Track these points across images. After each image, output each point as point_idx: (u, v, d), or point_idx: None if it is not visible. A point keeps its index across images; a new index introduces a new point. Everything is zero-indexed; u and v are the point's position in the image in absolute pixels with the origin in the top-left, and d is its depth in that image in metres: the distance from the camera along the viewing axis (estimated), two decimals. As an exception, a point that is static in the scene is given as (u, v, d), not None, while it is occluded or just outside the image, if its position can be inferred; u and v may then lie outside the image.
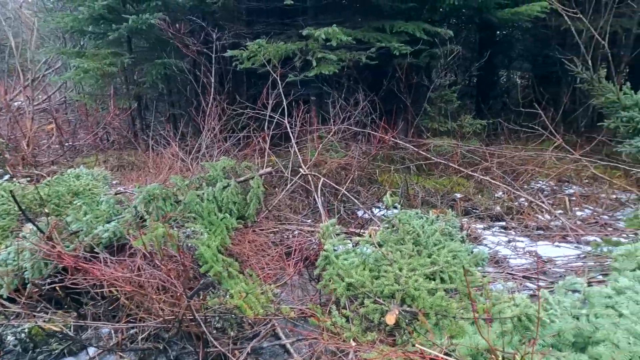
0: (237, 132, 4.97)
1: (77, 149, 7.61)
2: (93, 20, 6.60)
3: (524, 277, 3.31)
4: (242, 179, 3.75)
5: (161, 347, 2.14)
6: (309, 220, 4.17)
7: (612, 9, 6.14)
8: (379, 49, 5.08)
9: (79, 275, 2.27)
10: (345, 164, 4.37)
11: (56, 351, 2.30)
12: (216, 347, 2.03)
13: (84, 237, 2.83)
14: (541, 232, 4.27)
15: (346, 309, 2.30)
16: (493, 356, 1.98)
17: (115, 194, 3.75)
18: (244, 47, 5.25)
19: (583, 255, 3.67)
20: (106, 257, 2.55)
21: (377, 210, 4.88)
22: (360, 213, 4.56)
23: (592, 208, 4.98)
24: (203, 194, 3.36)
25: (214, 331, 2.17)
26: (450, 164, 4.76)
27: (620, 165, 5.48)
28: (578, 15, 5.67)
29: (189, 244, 2.54)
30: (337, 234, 3.10)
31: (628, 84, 6.11)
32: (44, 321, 2.28)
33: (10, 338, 2.31)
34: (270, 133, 4.45)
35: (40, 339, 2.31)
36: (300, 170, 3.96)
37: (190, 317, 1.95)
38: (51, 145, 7.36)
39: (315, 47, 4.97)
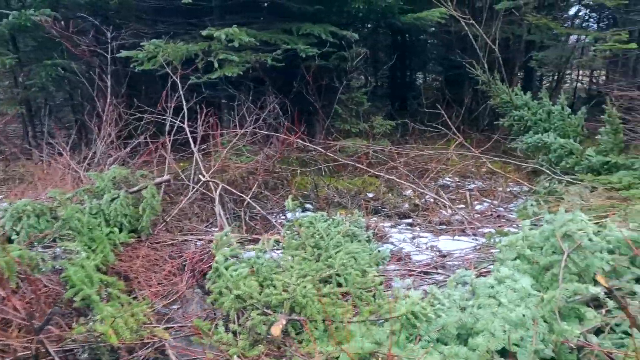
0: (136, 138, 4.63)
1: (-46, 162, 6.68)
2: (-34, 15, 5.83)
3: (424, 272, 3.41)
4: (134, 189, 3.48)
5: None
6: (216, 229, 3.99)
7: (501, 18, 6.64)
8: (286, 50, 5.04)
9: None
10: (252, 168, 4.25)
11: None
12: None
13: None
14: (443, 227, 4.46)
15: (235, 323, 2.18)
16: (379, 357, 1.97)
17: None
18: (141, 47, 4.93)
19: (478, 247, 3.88)
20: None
21: (290, 214, 4.82)
22: (273, 218, 4.46)
23: (489, 201, 5.33)
24: (85, 207, 3.04)
25: (84, 362, 1.94)
26: (358, 165, 4.83)
27: (510, 161, 5.92)
28: (471, 22, 6.06)
29: (56, 266, 2.26)
30: (238, 242, 2.96)
31: (519, 85, 6.67)
32: None
33: None
34: (172, 139, 4.20)
35: None
36: (202, 177, 3.76)
37: (45, 352, 1.71)
38: None
39: (218, 48, 4.80)
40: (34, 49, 6.65)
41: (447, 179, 6.42)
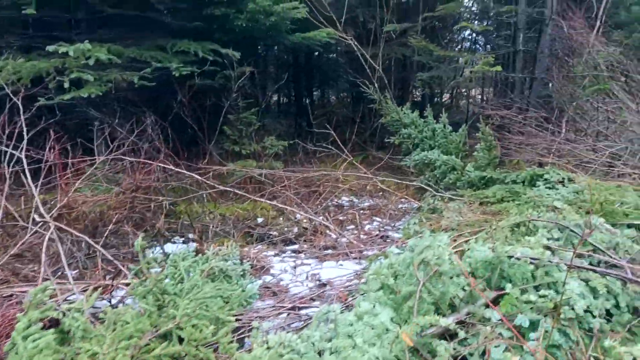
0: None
1: None
2: None
3: (297, 307, 3.17)
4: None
5: None
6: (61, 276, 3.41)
7: (384, 40, 6.84)
8: (157, 69, 4.63)
9: None
10: (114, 200, 3.75)
11: None
12: None
13: None
14: (329, 251, 4.30)
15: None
16: None
17: None
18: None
19: (359, 273, 3.75)
20: None
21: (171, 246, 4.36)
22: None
23: (380, 220, 5.31)
24: None
25: None
26: (237, 191, 4.53)
27: (395, 180, 6.01)
28: (354, 42, 6.14)
29: None
30: (83, 292, 2.48)
31: (407, 104, 6.87)
32: None
33: None
34: (10, 170, 3.56)
35: None
36: (41, 216, 3.20)
37: None
38: None
39: (73, 65, 4.25)
40: None
41: (344, 198, 6.36)
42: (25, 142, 3.58)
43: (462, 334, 2.15)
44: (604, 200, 3.81)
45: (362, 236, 4.69)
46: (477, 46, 12.96)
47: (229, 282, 3.19)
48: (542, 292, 2.47)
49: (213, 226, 4.58)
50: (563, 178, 4.94)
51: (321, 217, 5.10)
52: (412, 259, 2.61)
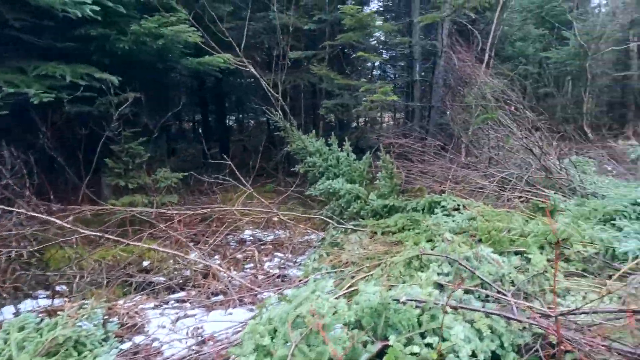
0: None
1: None
2: None
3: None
4: None
5: None
6: None
7: (286, 66, 6.71)
8: (10, 95, 3.95)
9: None
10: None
11: None
12: None
13: None
14: (219, 297, 3.87)
15: None
16: None
17: None
18: None
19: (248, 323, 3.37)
20: None
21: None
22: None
23: (281, 256, 4.99)
24: None
25: None
26: (109, 236, 3.96)
27: (294, 212, 5.77)
28: (251, 68, 5.91)
29: None
30: None
31: (313, 132, 6.73)
32: None
33: None
34: None
35: None
36: None
37: None
38: None
39: None
40: None
41: (248, 232, 5.97)
42: None
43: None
44: (492, 229, 3.87)
45: (259, 277, 4.32)
46: (387, 74, 13.52)
47: (80, 352, 2.63)
48: (427, 339, 2.30)
49: (84, 276, 3.93)
50: (458, 205, 5.03)
51: (217, 257, 4.66)
52: (288, 314, 2.31)
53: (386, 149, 5.38)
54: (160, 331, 3.28)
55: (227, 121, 15.96)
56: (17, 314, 3.57)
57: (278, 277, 4.25)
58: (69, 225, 3.63)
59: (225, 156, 5.76)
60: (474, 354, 2.30)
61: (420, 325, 2.38)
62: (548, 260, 3.43)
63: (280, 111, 6.66)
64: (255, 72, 6.29)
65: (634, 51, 13.11)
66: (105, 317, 3.17)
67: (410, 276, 3.29)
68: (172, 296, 3.88)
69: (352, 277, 3.80)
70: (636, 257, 3.52)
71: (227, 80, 10.20)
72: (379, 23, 5.97)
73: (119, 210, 4.57)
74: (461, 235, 4.37)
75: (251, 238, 5.66)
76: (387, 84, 5.78)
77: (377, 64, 9.16)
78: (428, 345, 2.27)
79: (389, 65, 8.40)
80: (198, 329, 3.31)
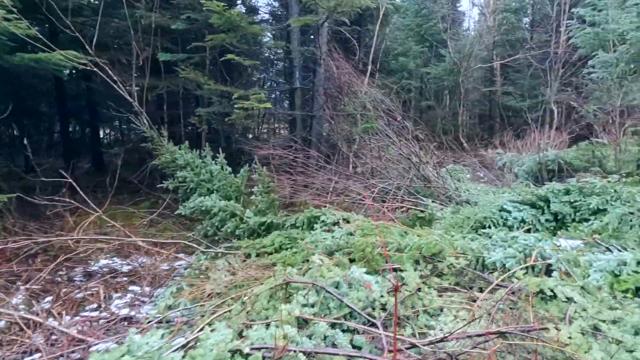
0: None
1: None
2: None
3: None
4: None
5: None
6: None
7: (146, 71, 5.93)
8: None
9: None
10: None
11: None
12: None
13: None
14: (36, 356, 2.99)
15: None
16: None
17: None
18: None
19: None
20: None
21: None
22: None
23: (137, 290, 4.20)
24: None
25: None
26: None
27: (159, 235, 5.05)
28: (93, 69, 5.04)
29: None
30: None
31: (187, 142, 6.00)
32: None
33: None
34: None
35: None
36: None
37: None
38: None
39: None
40: None
41: (103, 261, 5.02)
42: None
43: None
44: (367, 246, 3.60)
45: (100, 321, 3.50)
46: (273, 82, 13.13)
47: None
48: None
49: None
50: (338, 219, 4.75)
51: (48, 298, 3.72)
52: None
53: (262, 162, 4.91)
54: None
55: (102, 132, 14.23)
56: None
57: (124, 319, 3.48)
58: None
59: (63, 172, 4.75)
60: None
61: (266, 383, 1.90)
62: (422, 276, 3.24)
63: (145, 120, 5.82)
64: (113, 74, 5.40)
65: (497, 69, 14.63)
66: None
67: (274, 309, 2.82)
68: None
69: (213, 313, 3.22)
70: (503, 266, 3.51)
71: (90, 85, 8.94)
72: (256, 25, 5.54)
73: None
74: (338, 253, 4.07)
75: (104, 270, 4.74)
76: (262, 90, 5.35)
77: (267, 71, 8.75)
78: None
79: (271, 72, 8.06)
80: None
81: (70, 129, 11.49)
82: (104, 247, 5.00)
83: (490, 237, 4.01)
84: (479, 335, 2.27)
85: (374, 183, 5.34)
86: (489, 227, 4.87)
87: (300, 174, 5.55)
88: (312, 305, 2.69)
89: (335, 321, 2.49)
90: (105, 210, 5.72)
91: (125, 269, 4.71)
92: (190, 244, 4.51)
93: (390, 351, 2.30)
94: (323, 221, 4.72)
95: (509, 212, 5.01)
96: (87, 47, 5.31)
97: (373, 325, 2.57)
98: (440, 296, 3.20)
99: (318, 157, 5.65)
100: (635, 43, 7.05)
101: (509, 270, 3.43)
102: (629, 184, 6.59)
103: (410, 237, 3.98)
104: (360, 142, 6.11)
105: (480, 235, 4.29)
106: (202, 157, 5.79)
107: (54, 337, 3.10)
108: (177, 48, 7.68)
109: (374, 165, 6.05)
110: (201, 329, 2.87)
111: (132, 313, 3.62)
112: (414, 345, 2.30)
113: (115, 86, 4.95)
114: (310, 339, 2.40)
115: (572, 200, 4.96)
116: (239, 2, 7.95)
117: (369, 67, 8.01)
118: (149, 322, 3.30)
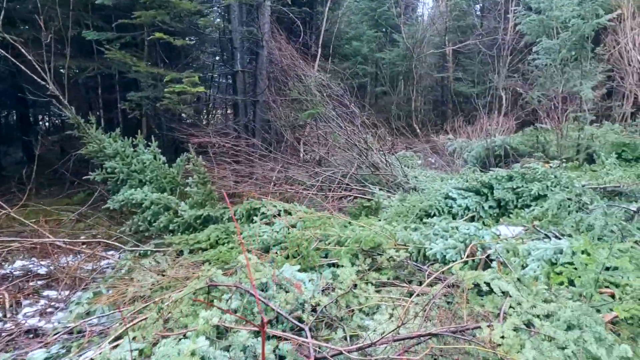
0: None
1: None
2: None
3: None
4: None
5: None
6: None
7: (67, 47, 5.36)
8: None
9: None
10: None
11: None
12: None
13: None
14: None
15: None
16: None
17: None
18: None
19: None
20: None
21: None
22: None
23: (53, 295, 3.77)
24: None
25: None
26: None
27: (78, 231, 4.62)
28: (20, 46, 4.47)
29: None
30: None
31: (118, 130, 5.50)
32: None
33: None
34: None
35: None
36: None
37: None
38: None
39: None
40: None
41: (20, 262, 4.52)
42: None
43: None
44: (303, 240, 3.38)
45: (2, 334, 3.08)
46: (219, 65, 12.41)
47: None
48: None
49: None
50: (279, 211, 4.50)
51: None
52: None
53: (201, 150, 4.55)
54: None
55: (37, 118, 13.17)
56: None
57: (27, 331, 3.08)
58: None
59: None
60: None
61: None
62: (359, 272, 3.06)
63: (67, 104, 5.27)
64: (27, 54, 4.82)
65: (449, 55, 14.74)
66: None
67: (195, 316, 2.55)
68: None
69: (131, 321, 2.89)
70: (444, 258, 3.41)
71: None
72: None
73: None
74: (276, 248, 3.83)
75: (17, 273, 4.25)
76: (197, 73, 4.95)
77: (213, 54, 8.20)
78: None
79: (218, 55, 7.55)
80: None
81: (-5, 115, 10.51)
82: (19, 247, 4.50)
83: (432, 227, 3.90)
84: (409, 338, 2.11)
85: (319, 171, 5.11)
86: (434, 215, 4.80)
87: (241, 163, 5.23)
88: (235, 311, 2.44)
89: (253, 328, 2.25)
90: (30, 204, 5.19)
91: (43, 270, 4.25)
92: (111, 242, 4.11)
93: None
94: (263, 213, 4.46)
95: (454, 199, 4.96)
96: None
97: (301, 330, 2.36)
98: (379, 291, 3.04)
99: (261, 145, 5.34)
100: (576, 30, 7.18)
101: (448, 262, 3.33)
102: (569, 168, 6.78)
103: (351, 229, 3.80)
104: (307, 129, 5.85)
105: (425, 224, 4.18)
106: (134, 146, 5.34)
107: None
108: (111, 27, 7.04)
109: (321, 153, 5.82)
110: (115, 340, 2.55)
111: (41, 323, 3.22)
112: (340, 352, 2.10)
113: (23, 66, 4.39)
114: (228, 350, 2.16)
115: (514, 187, 4.97)
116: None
117: (319, 51, 7.72)
118: (57, 333, 2.93)
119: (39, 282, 3.98)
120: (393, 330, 2.17)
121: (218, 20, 5.89)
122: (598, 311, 2.36)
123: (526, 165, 6.26)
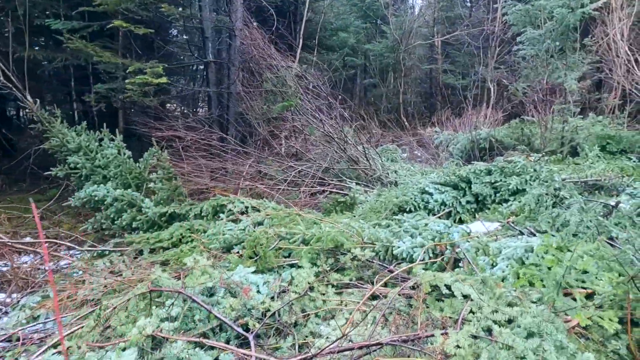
0: None
1: None
2: None
3: None
4: None
5: None
6: None
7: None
8: None
9: None
10: None
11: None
12: None
13: None
14: None
15: None
16: None
17: None
18: None
19: None
20: None
21: None
22: None
23: (2, 298, 3.58)
24: None
25: None
26: None
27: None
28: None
29: None
30: None
31: (84, 123, 5.27)
32: None
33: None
34: None
35: None
36: None
37: None
38: None
39: None
40: None
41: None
42: None
43: None
44: (262, 240, 3.20)
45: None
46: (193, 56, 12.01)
47: None
48: None
49: None
50: (246, 207, 4.32)
51: None
52: None
53: (161, 144, 4.35)
54: None
55: (14, 112, 12.87)
56: None
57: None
58: None
59: None
60: None
61: None
62: (317, 274, 2.89)
63: (28, 97, 5.05)
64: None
65: (438, 47, 14.54)
66: None
67: (131, 323, 2.37)
68: None
69: (75, 328, 2.71)
70: (411, 257, 3.25)
71: None
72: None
73: None
74: (239, 247, 3.65)
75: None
76: (160, 63, 4.72)
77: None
78: None
79: (187, 45, 7.28)
80: None
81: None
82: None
83: (402, 224, 3.73)
84: (351, 349, 1.95)
85: (293, 165, 4.92)
86: (410, 211, 4.64)
87: (213, 157, 5.03)
88: (176, 318, 2.27)
89: (192, 339, 2.08)
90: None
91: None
92: (62, 242, 3.91)
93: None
94: (230, 210, 4.28)
95: (431, 194, 4.80)
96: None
97: (246, 339, 2.19)
98: (341, 293, 2.88)
99: (233, 139, 5.14)
100: (561, 20, 7.00)
101: (416, 261, 3.17)
102: (553, 162, 6.63)
103: (318, 227, 3.63)
104: (287, 123, 5.65)
105: (396, 221, 4.02)
106: (100, 140, 5.13)
107: None
108: (81, 16, 6.76)
109: (297, 147, 5.63)
110: (54, 348, 2.37)
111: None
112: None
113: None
114: (160, 364, 1.99)
115: (493, 181, 4.82)
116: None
117: (300, 41, 7.49)
118: (-7, 341, 2.74)
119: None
120: (337, 340, 2.00)
121: (182, 8, 5.62)
122: (566, 315, 2.21)
123: (508, 158, 6.10)
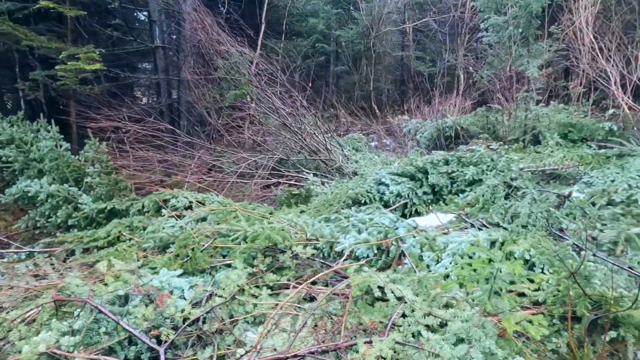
0: None
1: None
2: None
3: None
4: None
5: None
6: None
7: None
8: None
9: None
10: None
11: None
12: None
13: None
14: None
15: None
16: None
17: None
18: None
19: None
20: None
21: None
22: None
23: None
24: None
25: None
26: None
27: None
28: None
29: None
30: None
31: (20, 113, 4.90)
32: None
33: None
34: None
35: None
36: None
37: None
38: None
39: None
40: None
41: None
42: None
43: None
44: (194, 240, 2.98)
45: None
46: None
47: None
48: None
49: None
50: (191, 202, 4.08)
51: None
52: None
53: (98, 136, 4.05)
54: None
55: None
56: None
57: None
58: None
59: None
60: None
61: None
62: (251, 275, 2.70)
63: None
64: None
65: (409, 34, 14.37)
66: None
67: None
68: None
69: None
70: (352, 253, 3.10)
71: None
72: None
73: None
74: (175, 246, 3.43)
75: None
76: (94, 48, 4.39)
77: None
78: None
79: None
80: None
81: None
82: None
83: (349, 219, 3.57)
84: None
85: (245, 157, 4.69)
86: (365, 203, 4.49)
87: (161, 149, 4.75)
88: (79, 332, 2.05)
89: (92, 356, 1.87)
90: None
91: None
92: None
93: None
94: (173, 205, 4.03)
95: (387, 185, 4.66)
96: None
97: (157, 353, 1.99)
98: (277, 295, 2.71)
99: (185, 129, 4.86)
100: (524, 6, 6.91)
101: (360, 259, 3.02)
102: (514, 150, 6.59)
103: (259, 225, 3.43)
104: (238, 111, 5.39)
105: (343, 215, 3.86)
106: (37, 132, 4.78)
107: None
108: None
109: (254, 137, 5.39)
110: None
111: None
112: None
113: None
114: (51, 385, 1.77)
115: (449, 171, 4.71)
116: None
117: (262, 27, 7.19)
118: None
119: None
120: (247, 353, 1.83)
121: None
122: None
123: (470, 147, 6.01)
